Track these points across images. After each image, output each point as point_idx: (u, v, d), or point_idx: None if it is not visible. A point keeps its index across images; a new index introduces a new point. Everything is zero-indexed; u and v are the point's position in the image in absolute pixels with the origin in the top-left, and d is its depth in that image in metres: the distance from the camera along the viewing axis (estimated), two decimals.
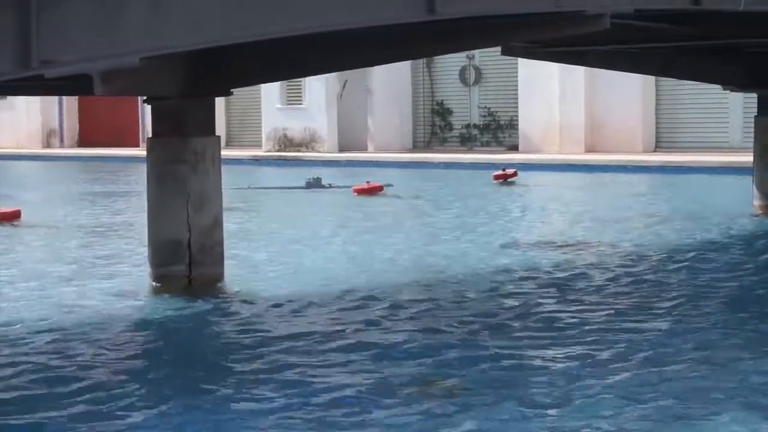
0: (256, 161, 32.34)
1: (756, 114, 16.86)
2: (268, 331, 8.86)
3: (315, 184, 21.66)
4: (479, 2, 8.70)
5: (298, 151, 33.49)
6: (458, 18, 9.06)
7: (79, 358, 8.03)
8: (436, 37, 10.28)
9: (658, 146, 29.35)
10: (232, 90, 11.22)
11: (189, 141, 10.57)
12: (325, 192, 21.38)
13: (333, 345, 8.28)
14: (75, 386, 7.24)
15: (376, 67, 29.98)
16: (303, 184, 21.89)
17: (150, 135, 11.15)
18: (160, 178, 10.76)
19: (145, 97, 11.16)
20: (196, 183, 10.61)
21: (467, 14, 8.95)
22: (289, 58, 10.66)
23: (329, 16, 7.59)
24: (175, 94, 10.42)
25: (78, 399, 6.93)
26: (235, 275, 11.23)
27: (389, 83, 33.12)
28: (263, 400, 6.88)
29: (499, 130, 32.59)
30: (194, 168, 10.59)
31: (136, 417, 6.57)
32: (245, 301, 10.06)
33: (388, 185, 21.80)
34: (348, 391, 7.00)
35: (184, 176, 10.57)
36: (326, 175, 22.74)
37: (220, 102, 32.36)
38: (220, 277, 10.86)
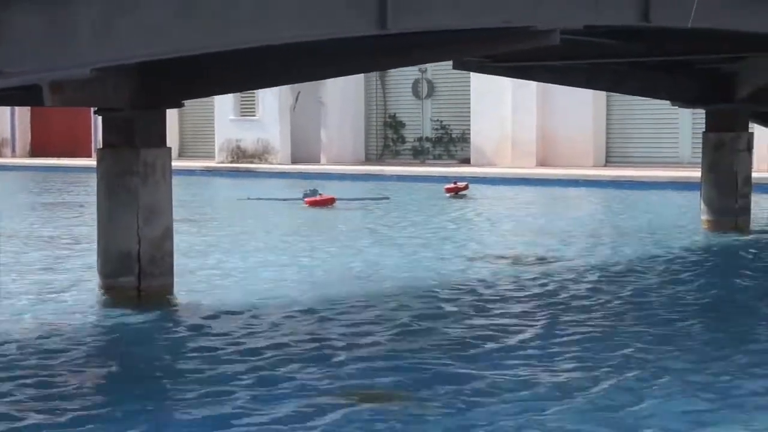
0: (209, 172, 32.30)
1: (704, 130, 17.03)
2: (214, 343, 8.83)
3: (311, 195, 21.74)
4: (430, 17, 8.76)
5: (251, 162, 33.47)
6: (410, 32, 9.12)
7: (25, 369, 7.98)
8: (388, 51, 10.34)
9: (609, 161, 29.59)
10: (183, 102, 11.21)
11: (140, 152, 10.55)
12: (283, 204, 21.50)
13: (278, 357, 8.28)
14: (19, 396, 7.20)
15: (329, 80, 30.05)
16: (300, 195, 21.95)
17: (101, 146, 11.11)
18: (110, 189, 10.73)
19: (96, 108, 11.14)
20: (146, 194, 10.59)
21: (418, 29, 9.01)
22: (242, 71, 10.68)
23: (279, 29, 7.62)
24: (126, 106, 10.40)
25: (21, 410, 6.89)
26: (186, 287, 11.21)
27: (342, 96, 33.19)
28: (206, 412, 6.87)
29: (451, 143, 32.74)
30: (145, 179, 10.57)
31: (78, 428, 6.55)
32: (194, 313, 10.04)
33: (385, 198, 21.92)
34: (292, 403, 7.00)
35: (134, 187, 10.55)
36: (278, 187, 22.74)
37: (173, 113, 32.30)
38: (169, 288, 10.84)
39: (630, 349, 8.48)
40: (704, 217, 16.63)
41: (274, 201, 22.15)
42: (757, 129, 21.41)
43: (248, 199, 22.21)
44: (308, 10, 7.81)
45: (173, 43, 7.10)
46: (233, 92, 28.40)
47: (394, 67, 26.99)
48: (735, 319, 9.89)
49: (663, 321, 9.69)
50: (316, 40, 8.70)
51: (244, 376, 7.68)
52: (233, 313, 10.02)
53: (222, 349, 8.62)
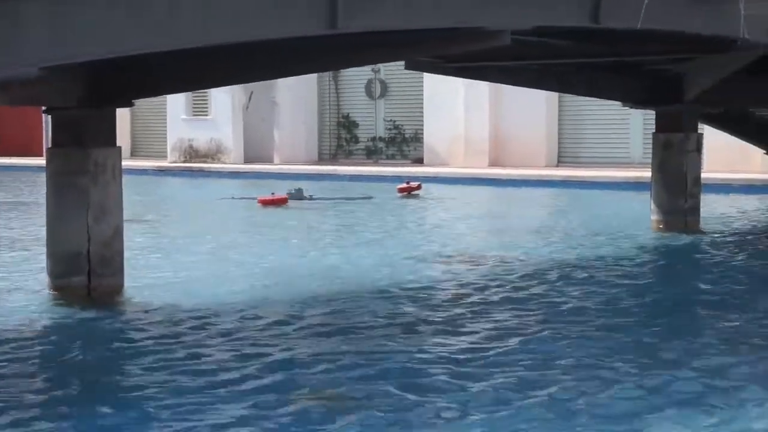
0: (161, 172, 32.15)
1: (654, 130, 17.15)
2: (163, 343, 8.80)
3: (296, 195, 21.80)
4: (381, 17, 8.78)
5: (204, 162, 33.35)
6: (361, 32, 9.14)
7: None
8: (340, 51, 10.36)
9: (561, 161, 29.73)
10: (133, 101, 11.16)
11: (89, 152, 10.51)
12: (240, 203, 21.46)
13: (225, 358, 8.28)
14: None
15: (282, 79, 30.00)
16: (283, 194, 21.96)
17: (50, 145, 11.05)
18: (59, 188, 10.68)
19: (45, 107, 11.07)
20: (96, 194, 10.55)
21: (369, 29, 9.03)
22: (193, 70, 10.65)
23: (229, 29, 7.62)
24: (75, 105, 10.35)
25: None
26: (138, 286, 11.17)
27: (295, 95, 33.15)
28: (152, 412, 6.86)
29: (404, 143, 32.78)
30: (95, 179, 10.53)
31: (22, 429, 6.52)
32: (144, 313, 10.00)
33: (368, 197, 22.13)
34: (236, 402, 7.00)
35: (84, 187, 10.51)
36: (236, 187, 22.67)
37: (125, 112, 32.20)
38: (120, 287, 10.80)
39: (575, 347, 8.56)
40: (654, 217, 16.75)
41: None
42: (706, 129, 21.61)
43: (232, 198, 22.17)
44: (258, 9, 7.80)
45: (122, 42, 7.09)
46: (185, 91, 28.28)
47: (347, 67, 27.00)
48: (677, 316, 10.00)
49: (606, 319, 9.77)
50: (266, 39, 8.70)
51: (192, 377, 7.67)
52: (183, 313, 9.98)
53: (170, 349, 8.59)
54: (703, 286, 11.92)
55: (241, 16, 7.71)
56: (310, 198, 21.71)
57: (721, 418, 6.65)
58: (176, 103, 33.92)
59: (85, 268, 10.53)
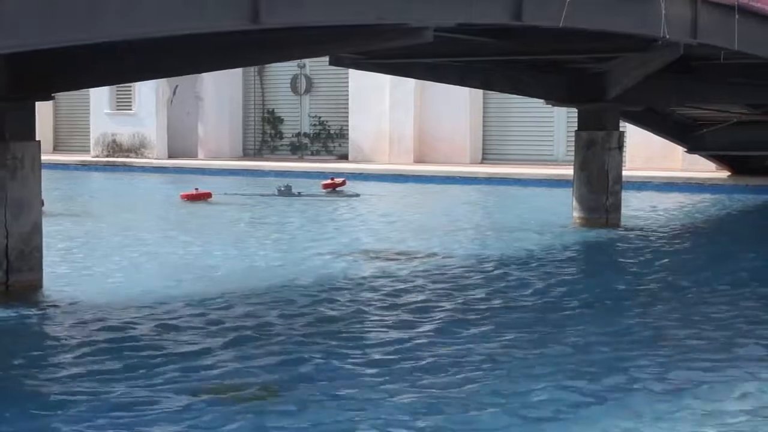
0: (84, 167, 31.84)
1: (577, 128, 17.31)
2: (80, 339, 8.72)
3: (285, 191, 21.98)
4: (303, 13, 8.77)
5: (127, 156, 33.09)
6: (284, 28, 9.12)
7: None
8: (263, 46, 10.33)
9: (485, 158, 29.88)
10: (53, 94, 11.04)
11: (8, 145, 10.39)
12: (158, 199, 21.34)
13: (147, 353, 8.22)
14: None
15: (207, 74, 29.85)
16: (274, 191, 22.09)
17: None
18: None
19: None
20: (14, 188, 10.44)
21: (291, 24, 9.02)
22: (115, 63, 10.55)
23: (148, 23, 7.55)
24: None
25: None
26: (57, 282, 11.05)
27: (220, 90, 33.00)
28: (69, 409, 6.78)
29: (329, 139, 32.76)
30: (13, 173, 10.42)
31: None
32: (61, 309, 9.90)
33: (355, 195, 22.27)
34: (151, 400, 6.95)
35: (2, 181, 10.39)
36: (158, 182, 22.51)
37: (47, 106, 31.82)
38: (38, 283, 10.69)
39: (495, 341, 8.62)
40: (576, 214, 16.91)
41: (249, 197, 22.01)
42: (628, 127, 21.86)
43: (225, 194, 22.09)
44: (180, 4, 7.75)
45: (41, 35, 6.99)
46: (106, 85, 27.97)
47: (269, 62, 26.89)
48: (597, 310, 10.10)
49: (522, 314, 9.86)
50: (188, 34, 8.64)
51: (110, 374, 7.60)
52: (99, 311, 9.89)
53: (88, 345, 8.52)
54: (621, 280, 12.02)
55: (163, 10, 7.65)
56: (299, 194, 21.89)
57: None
58: (100, 97, 33.60)
59: (3, 264, 10.41)
